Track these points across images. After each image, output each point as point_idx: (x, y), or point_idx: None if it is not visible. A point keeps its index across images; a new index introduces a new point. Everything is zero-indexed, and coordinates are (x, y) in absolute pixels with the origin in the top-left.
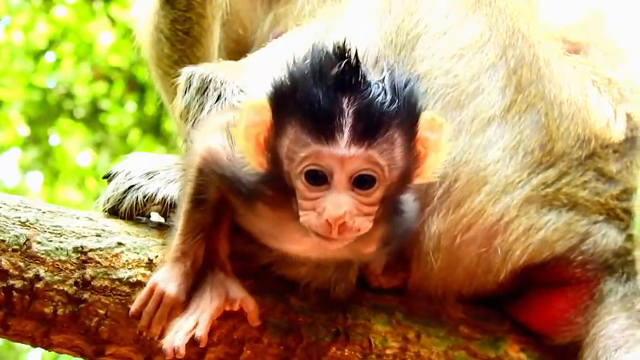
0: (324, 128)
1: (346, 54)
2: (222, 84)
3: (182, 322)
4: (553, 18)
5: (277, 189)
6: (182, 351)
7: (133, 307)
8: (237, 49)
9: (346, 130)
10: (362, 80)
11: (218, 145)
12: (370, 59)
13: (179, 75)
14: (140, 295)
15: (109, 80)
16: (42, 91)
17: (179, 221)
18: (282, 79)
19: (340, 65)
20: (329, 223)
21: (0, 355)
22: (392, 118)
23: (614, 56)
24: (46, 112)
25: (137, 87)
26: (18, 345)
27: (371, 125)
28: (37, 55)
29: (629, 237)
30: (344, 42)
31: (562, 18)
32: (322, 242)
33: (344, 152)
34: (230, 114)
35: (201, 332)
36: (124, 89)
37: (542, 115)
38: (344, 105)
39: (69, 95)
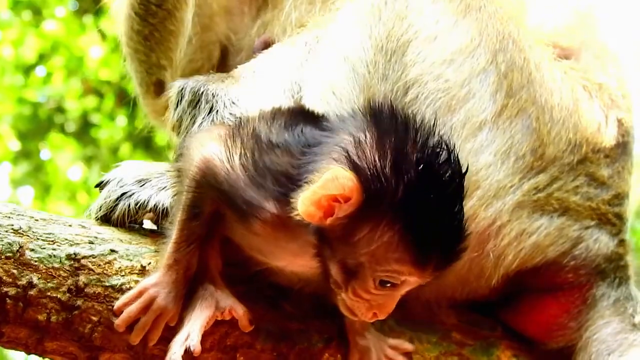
0: (428, 254)
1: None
2: (213, 96)
3: (177, 338)
4: (543, 22)
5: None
6: None
7: (117, 304)
8: (212, 48)
9: (443, 258)
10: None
11: (215, 157)
12: (362, 66)
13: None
14: (127, 295)
15: (100, 94)
16: (32, 105)
17: (173, 229)
18: (386, 168)
19: (454, 181)
20: (374, 314)
21: None
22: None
23: (605, 60)
24: (37, 126)
25: (127, 101)
26: (13, 356)
27: (459, 252)
28: (27, 69)
29: (621, 242)
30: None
31: (553, 22)
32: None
33: (429, 276)
34: (222, 128)
35: (193, 342)
36: (115, 103)
37: (533, 119)
38: (451, 234)
39: (60, 109)
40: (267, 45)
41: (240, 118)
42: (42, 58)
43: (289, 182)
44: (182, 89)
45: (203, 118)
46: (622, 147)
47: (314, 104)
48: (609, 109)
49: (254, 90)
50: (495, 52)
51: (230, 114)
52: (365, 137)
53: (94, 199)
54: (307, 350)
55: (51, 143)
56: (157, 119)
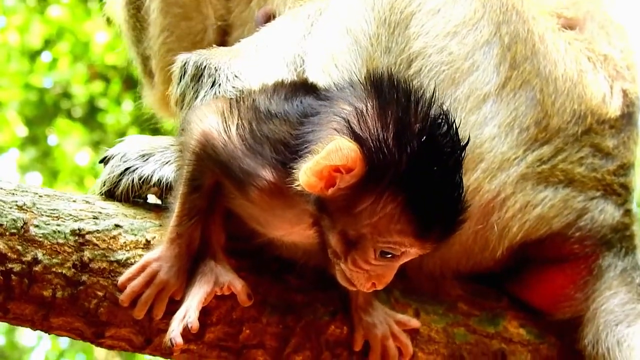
0: (429, 226)
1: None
2: (216, 70)
3: (176, 315)
4: None
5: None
6: (179, 340)
7: (121, 279)
8: (196, 37)
9: (443, 230)
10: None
11: (214, 130)
12: (365, 39)
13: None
14: (130, 269)
15: (106, 79)
16: (39, 91)
17: (175, 203)
18: (388, 139)
19: (455, 153)
20: (372, 284)
21: (4, 354)
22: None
23: (609, 31)
24: (43, 112)
25: (133, 86)
26: (21, 344)
27: (459, 223)
28: (33, 55)
29: (627, 212)
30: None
31: None
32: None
33: (429, 247)
34: (222, 101)
35: (190, 318)
36: (121, 88)
37: (537, 91)
38: (452, 205)
39: (66, 94)
40: (268, 17)
41: (241, 91)
42: (47, 44)
43: (287, 151)
44: (185, 63)
45: (206, 92)
46: (627, 118)
47: (316, 77)
48: (614, 80)
49: (256, 63)
50: (499, 24)
51: (233, 87)
52: (367, 108)
53: None
54: (313, 323)
55: (58, 128)
56: (158, 109)
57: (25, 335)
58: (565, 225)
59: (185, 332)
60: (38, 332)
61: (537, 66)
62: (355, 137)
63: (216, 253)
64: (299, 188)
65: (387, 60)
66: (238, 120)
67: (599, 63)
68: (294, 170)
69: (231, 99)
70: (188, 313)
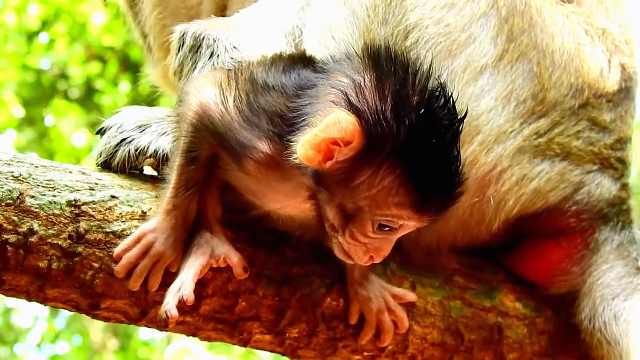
0: (427, 198)
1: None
2: (214, 41)
3: (171, 287)
4: None
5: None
6: (175, 313)
7: (116, 250)
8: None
9: (441, 202)
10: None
11: (211, 101)
12: (362, 10)
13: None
14: (125, 241)
15: (103, 60)
16: (36, 72)
17: (171, 175)
18: (387, 112)
19: (453, 125)
20: (370, 257)
21: (0, 335)
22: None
23: (608, 5)
24: (40, 93)
25: (131, 67)
26: (17, 325)
27: (457, 196)
28: (30, 36)
29: (624, 186)
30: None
31: None
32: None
33: (427, 220)
34: (223, 70)
35: (185, 291)
36: (118, 69)
37: (534, 64)
38: (450, 178)
39: (63, 75)
40: None
41: (239, 62)
42: (45, 25)
43: (283, 123)
44: (184, 34)
45: (204, 63)
46: (624, 92)
47: (313, 48)
48: (612, 54)
49: (254, 34)
50: None
51: (232, 58)
52: (364, 80)
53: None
54: (309, 296)
55: (55, 109)
56: (162, 85)
57: (21, 317)
58: (562, 199)
59: (181, 304)
60: (34, 313)
61: (534, 39)
62: (354, 109)
63: (212, 225)
64: (296, 161)
65: (384, 31)
66: (235, 92)
67: (596, 37)
68: (291, 143)
69: (229, 70)
70: (183, 285)
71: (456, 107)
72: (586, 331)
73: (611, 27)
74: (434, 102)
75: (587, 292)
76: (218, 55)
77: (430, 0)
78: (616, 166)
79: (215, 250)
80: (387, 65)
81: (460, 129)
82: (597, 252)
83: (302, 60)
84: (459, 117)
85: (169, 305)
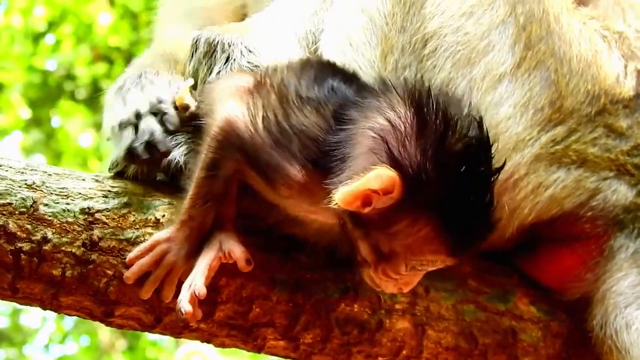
0: (461, 244)
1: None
2: (229, 45)
3: (185, 284)
4: None
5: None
6: (188, 307)
7: (129, 256)
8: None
9: (474, 247)
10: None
11: (238, 118)
12: (380, 18)
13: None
14: (139, 247)
15: (109, 61)
16: (42, 73)
17: (190, 185)
18: (428, 165)
19: (491, 176)
20: (399, 289)
21: (8, 336)
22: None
23: (624, 7)
24: (47, 94)
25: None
26: (25, 326)
27: (488, 238)
28: (37, 37)
29: None
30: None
31: None
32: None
33: (457, 259)
34: (243, 77)
35: (197, 286)
36: (125, 69)
37: (552, 71)
38: (484, 225)
39: (70, 76)
40: None
41: (264, 69)
42: (51, 26)
43: (319, 151)
44: (196, 40)
45: (220, 68)
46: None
47: (329, 54)
48: (628, 60)
49: (268, 39)
50: (514, 4)
51: (248, 62)
52: (405, 127)
53: (105, 166)
54: (323, 301)
55: (61, 110)
56: None
57: (29, 317)
58: (578, 205)
59: (193, 300)
60: (42, 314)
61: (552, 46)
62: (395, 163)
63: (224, 224)
64: (334, 206)
65: (402, 39)
66: (266, 106)
67: (613, 42)
68: (329, 186)
69: (254, 77)
70: (194, 280)
71: (493, 155)
72: (597, 338)
73: (628, 31)
74: (474, 154)
75: (600, 299)
76: (234, 60)
77: (449, 8)
78: (633, 172)
79: (222, 245)
80: (429, 111)
81: (496, 177)
82: (612, 259)
83: (331, 68)
84: (497, 167)
85: (182, 301)
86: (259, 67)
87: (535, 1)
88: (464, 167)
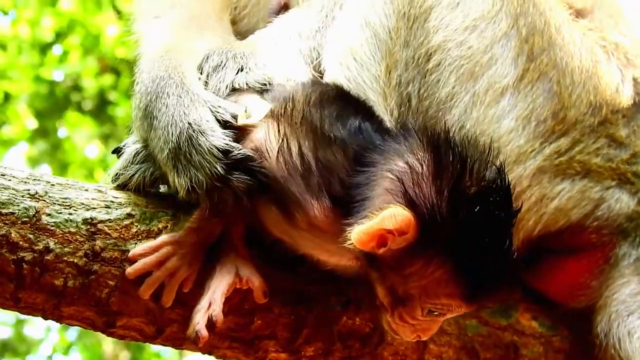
0: (479, 291)
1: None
2: (242, 57)
3: (199, 306)
4: None
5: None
6: (205, 333)
7: (133, 251)
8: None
9: (490, 293)
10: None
11: (261, 144)
12: (384, 32)
13: None
14: (145, 245)
15: (116, 72)
16: (49, 84)
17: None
18: (443, 207)
19: (508, 219)
20: (417, 336)
21: (12, 346)
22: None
23: (618, 19)
24: (54, 104)
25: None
26: (29, 336)
27: (506, 285)
28: (44, 48)
29: None
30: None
31: None
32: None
33: (475, 306)
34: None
35: (215, 312)
36: (131, 81)
37: (554, 83)
38: (500, 270)
39: (77, 87)
40: (282, 7)
41: (285, 99)
42: (58, 37)
43: (340, 190)
44: (208, 56)
45: (232, 78)
46: (637, 106)
47: (333, 69)
48: (626, 69)
49: (276, 57)
50: (517, 16)
51: (259, 76)
52: (422, 169)
53: None
54: (325, 313)
55: (68, 121)
56: None
57: (33, 328)
58: (583, 216)
59: (210, 325)
60: (46, 324)
61: (554, 58)
62: (410, 203)
63: (237, 246)
64: (350, 246)
65: (406, 54)
66: (289, 137)
67: (611, 52)
68: (346, 227)
69: (281, 106)
70: (213, 305)
71: (512, 198)
72: (600, 346)
73: (623, 41)
74: (490, 196)
75: (603, 307)
76: (248, 71)
77: (453, 22)
78: (633, 181)
79: (240, 271)
80: (446, 154)
81: (514, 223)
82: (616, 267)
83: (351, 104)
84: (514, 210)
85: (199, 325)
86: (271, 81)
87: (536, 13)
88: (479, 211)
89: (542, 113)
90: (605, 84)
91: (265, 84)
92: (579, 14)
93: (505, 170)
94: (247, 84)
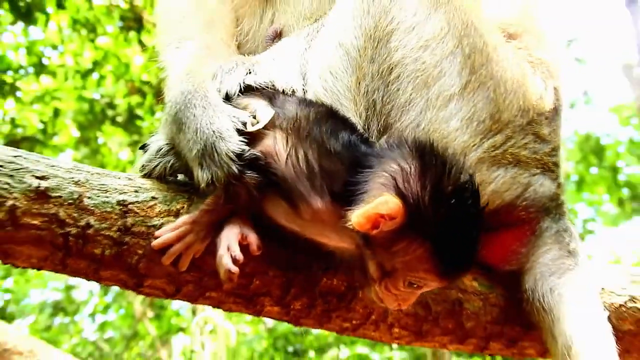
0: (451, 269)
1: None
2: (249, 64)
3: (221, 252)
4: (495, 13)
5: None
6: (235, 269)
7: (158, 231)
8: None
9: (460, 272)
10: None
11: (273, 150)
12: (354, 51)
13: None
14: (169, 225)
15: (142, 93)
16: (89, 102)
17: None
18: (425, 199)
19: (476, 213)
20: (398, 304)
21: (63, 307)
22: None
23: (542, 42)
24: (93, 118)
25: (164, 98)
26: (76, 299)
27: (472, 267)
28: (85, 74)
29: (559, 185)
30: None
31: (502, 13)
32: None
33: (447, 283)
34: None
35: (235, 252)
36: (154, 100)
37: (491, 91)
38: (470, 253)
39: (111, 105)
40: (276, 34)
41: (292, 117)
42: (96, 65)
43: (342, 187)
44: (221, 65)
45: (241, 79)
46: (556, 110)
47: (315, 81)
48: (548, 80)
49: (274, 67)
50: (461, 38)
51: (263, 78)
52: (411, 169)
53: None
54: (309, 276)
55: (104, 132)
56: None
57: (79, 292)
58: (515, 197)
59: (235, 262)
60: (89, 289)
61: (491, 71)
62: (400, 193)
63: (242, 216)
64: (350, 226)
65: (372, 68)
66: (296, 143)
67: (536, 66)
68: (346, 211)
69: (288, 119)
70: (232, 248)
71: (479, 197)
72: (528, 300)
73: (546, 57)
74: (464, 194)
75: (531, 269)
76: (255, 74)
77: (410, 42)
78: (553, 169)
79: (242, 229)
80: (430, 159)
81: (482, 216)
82: (540, 238)
83: (338, 119)
84: (482, 207)
85: (228, 264)
86: (273, 84)
87: (477, 35)
88: (454, 204)
89: (481, 115)
90: (532, 92)
91: (268, 86)
92: (511, 36)
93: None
94: (254, 82)
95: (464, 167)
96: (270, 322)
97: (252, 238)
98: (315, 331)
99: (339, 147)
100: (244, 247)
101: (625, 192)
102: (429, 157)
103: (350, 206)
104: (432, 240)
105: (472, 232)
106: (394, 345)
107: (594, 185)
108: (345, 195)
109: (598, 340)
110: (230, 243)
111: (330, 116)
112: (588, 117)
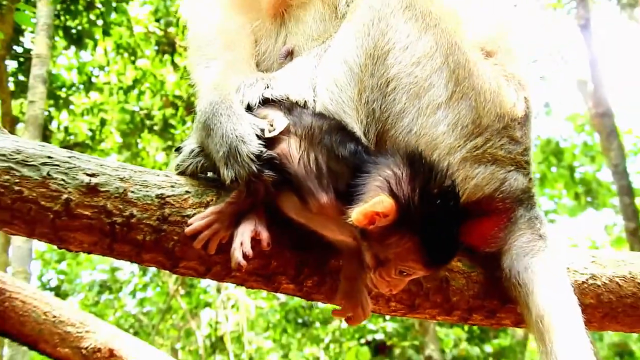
0: (435, 260)
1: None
2: (270, 80)
3: (235, 246)
4: (474, 34)
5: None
6: (244, 262)
7: (191, 220)
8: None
9: (443, 263)
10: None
11: (287, 152)
12: (356, 67)
13: None
14: (199, 215)
15: (175, 106)
16: (130, 114)
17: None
18: (414, 200)
19: (457, 213)
20: (390, 290)
21: (108, 286)
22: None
23: (514, 58)
24: (134, 127)
25: (194, 110)
26: (120, 278)
27: (453, 259)
28: (127, 90)
29: (530, 180)
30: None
31: (480, 34)
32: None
33: (432, 272)
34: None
35: (246, 248)
36: (185, 112)
37: (473, 100)
38: (452, 247)
39: (149, 116)
40: (289, 53)
41: (306, 126)
42: (136, 82)
43: (346, 188)
44: (243, 80)
45: (260, 93)
46: (527, 116)
47: (323, 93)
48: (519, 91)
49: (289, 82)
50: (447, 56)
51: (279, 92)
52: (402, 175)
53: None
54: (319, 259)
55: (144, 139)
56: None
57: (122, 273)
58: (493, 190)
59: (245, 257)
60: (130, 270)
61: (472, 83)
62: (393, 194)
63: (259, 211)
64: (350, 222)
65: (372, 81)
66: (309, 147)
67: (510, 79)
68: (348, 209)
69: (302, 127)
70: (244, 244)
71: (459, 200)
72: (505, 278)
73: (518, 72)
74: (447, 196)
75: (507, 250)
76: (272, 88)
77: (404, 60)
78: (525, 167)
79: (256, 226)
80: (418, 166)
81: (462, 217)
82: (516, 224)
83: (347, 133)
84: (460, 208)
85: (239, 258)
86: (288, 97)
87: (460, 54)
88: (438, 205)
89: (465, 121)
90: (507, 101)
91: (284, 98)
92: (488, 54)
93: (455, 183)
94: (271, 95)
95: (447, 174)
96: (282, 298)
97: (264, 235)
98: (321, 305)
99: (346, 154)
100: (256, 241)
101: (580, 187)
102: (417, 164)
103: (351, 205)
104: (419, 235)
105: (454, 229)
106: (387, 317)
107: (554, 181)
108: (348, 194)
109: (567, 310)
110: (244, 238)
111: (340, 129)
112: (549, 125)
